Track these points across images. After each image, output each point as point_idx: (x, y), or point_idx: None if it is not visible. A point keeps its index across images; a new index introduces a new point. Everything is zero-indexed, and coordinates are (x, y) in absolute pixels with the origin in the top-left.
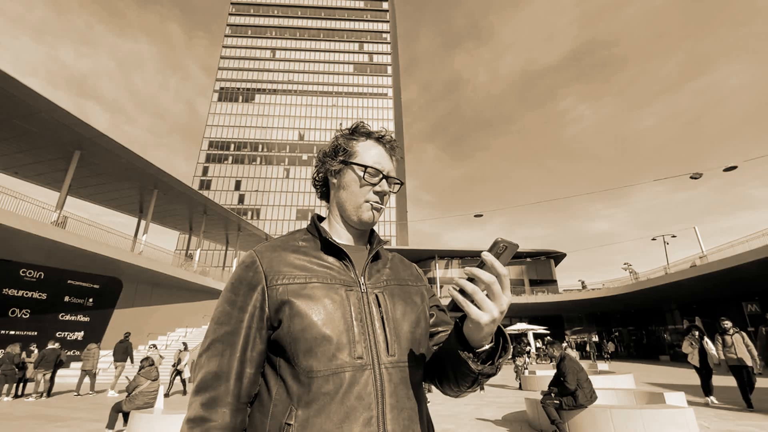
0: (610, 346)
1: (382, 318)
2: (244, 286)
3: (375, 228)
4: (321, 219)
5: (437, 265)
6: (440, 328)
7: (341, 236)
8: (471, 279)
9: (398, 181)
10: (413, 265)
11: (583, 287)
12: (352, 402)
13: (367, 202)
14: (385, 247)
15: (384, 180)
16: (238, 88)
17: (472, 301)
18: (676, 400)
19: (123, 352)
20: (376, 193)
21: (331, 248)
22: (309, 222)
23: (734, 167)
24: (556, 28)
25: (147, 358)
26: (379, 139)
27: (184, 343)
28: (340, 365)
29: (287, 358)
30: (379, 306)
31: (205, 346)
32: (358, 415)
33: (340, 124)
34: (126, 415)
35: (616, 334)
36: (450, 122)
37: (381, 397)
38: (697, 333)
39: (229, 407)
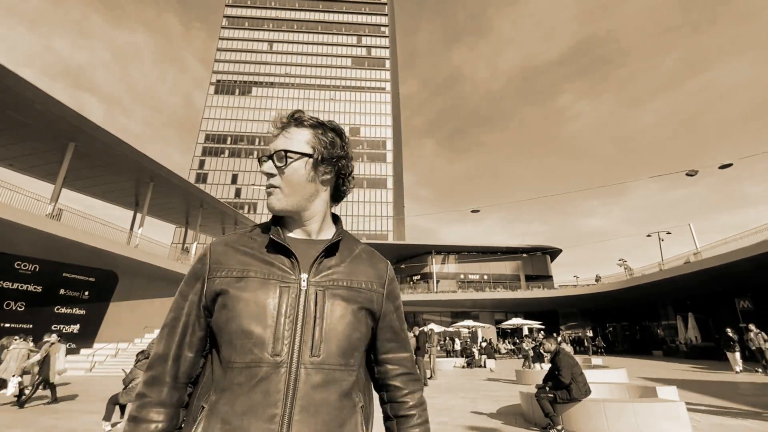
0: (599, 342)
1: (315, 317)
2: (192, 278)
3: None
4: None
5: (434, 260)
6: (390, 355)
7: (297, 230)
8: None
9: (278, 153)
10: (384, 263)
11: (597, 280)
12: (257, 396)
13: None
14: (378, 241)
15: (263, 162)
16: (235, 81)
17: None
18: (669, 394)
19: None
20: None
21: (276, 244)
22: None
23: (729, 165)
24: (556, 23)
25: (143, 351)
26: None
27: None
28: (255, 360)
29: (216, 346)
30: (316, 305)
31: (159, 331)
32: (261, 411)
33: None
34: (123, 407)
35: (610, 329)
36: (448, 117)
37: (291, 396)
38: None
39: (167, 386)
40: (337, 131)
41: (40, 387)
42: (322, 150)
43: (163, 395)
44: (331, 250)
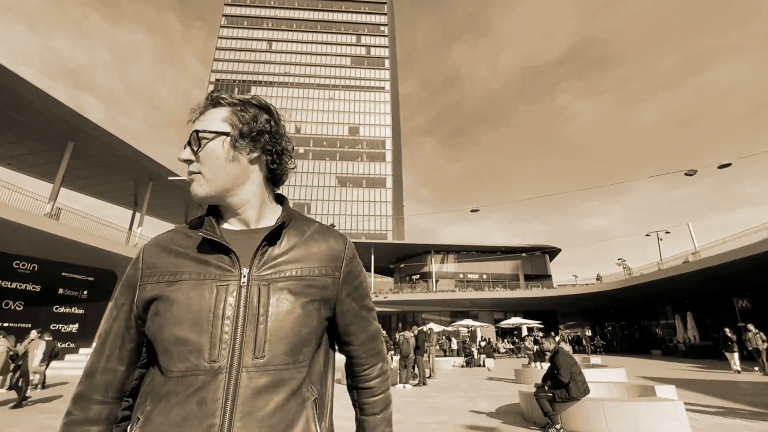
0: (598, 341)
1: (258, 316)
2: (125, 285)
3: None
4: None
5: (433, 259)
6: (351, 337)
7: (232, 220)
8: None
9: (192, 136)
10: (341, 242)
11: (598, 279)
12: (192, 407)
13: None
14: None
15: (183, 150)
16: (234, 81)
17: None
18: (667, 394)
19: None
20: None
21: (210, 241)
22: None
23: (728, 164)
24: (555, 23)
25: None
26: None
27: None
28: (191, 368)
29: (154, 355)
30: (260, 302)
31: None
32: (197, 422)
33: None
34: None
35: (609, 328)
36: (448, 117)
37: (231, 404)
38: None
39: (94, 402)
40: (263, 107)
41: (27, 383)
42: (240, 126)
43: (90, 413)
44: (273, 237)
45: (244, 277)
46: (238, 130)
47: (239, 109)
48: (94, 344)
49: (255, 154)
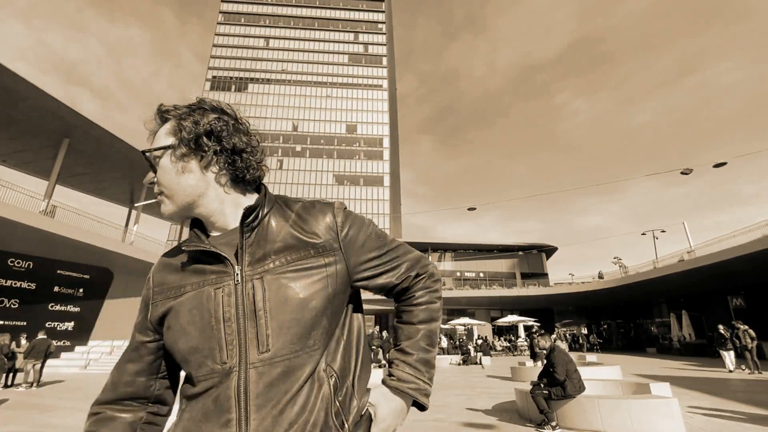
0: (593, 339)
1: (256, 311)
2: (141, 304)
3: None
4: None
5: (430, 257)
6: (388, 287)
7: (212, 230)
8: None
9: (144, 157)
10: (328, 209)
11: (600, 277)
12: (209, 404)
13: None
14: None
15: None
16: (231, 77)
17: None
18: (662, 391)
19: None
20: None
21: (199, 250)
22: None
23: (724, 163)
24: (554, 21)
25: None
26: None
27: None
28: (208, 372)
29: (177, 365)
30: (256, 296)
31: None
32: (215, 417)
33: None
34: None
35: (605, 326)
36: (445, 115)
37: (245, 399)
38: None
39: (116, 409)
40: (209, 108)
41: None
42: (183, 136)
43: (111, 417)
44: (252, 230)
45: (238, 276)
46: (179, 140)
47: (182, 117)
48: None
49: (207, 159)
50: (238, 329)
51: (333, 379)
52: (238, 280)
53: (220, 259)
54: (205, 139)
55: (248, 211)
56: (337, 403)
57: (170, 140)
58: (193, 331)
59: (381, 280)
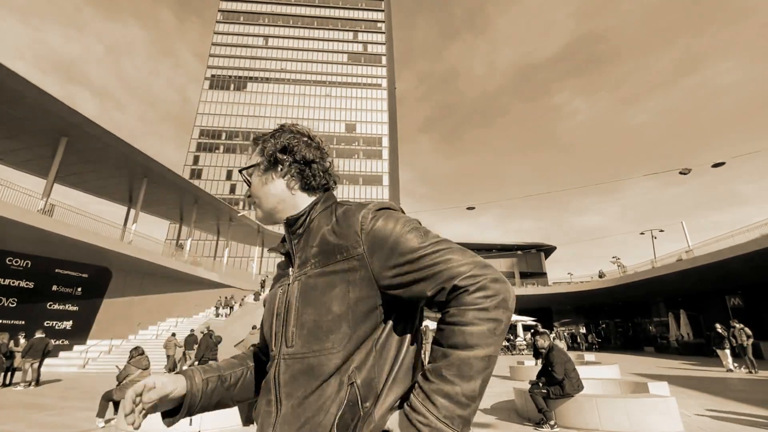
0: (591, 338)
1: (289, 309)
2: None
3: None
4: None
5: None
6: (408, 290)
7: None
8: None
9: (241, 175)
10: (357, 213)
11: (601, 276)
12: (263, 385)
13: None
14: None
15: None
16: (230, 76)
17: None
18: (660, 390)
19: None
20: None
21: (284, 253)
22: None
23: (722, 163)
24: (553, 21)
25: (137, 348)
26: None
27: (173, 333)
28: (271, 357)
29: None
30: (293, 296)
31: None
32: (266, 394)
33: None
34: (116, 404)
35: (603, 326)
36: (444, 114)
37: (278, 386)
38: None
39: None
40: (286, 130)
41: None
42: (265, 154)
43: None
44: (301, 234)
45: (290, 276)
46: (262, 157)
47: (265, 141)
48: None
49: (283, 171)
50: (281, 324)
51: (352, 389)
52: (290, 281)
53: (290, 262)
54: (280, 154)
55: (290, 219)
56: (349, 415)
57: (257, 159)
58: (267, 320)
59: (414, 290)
